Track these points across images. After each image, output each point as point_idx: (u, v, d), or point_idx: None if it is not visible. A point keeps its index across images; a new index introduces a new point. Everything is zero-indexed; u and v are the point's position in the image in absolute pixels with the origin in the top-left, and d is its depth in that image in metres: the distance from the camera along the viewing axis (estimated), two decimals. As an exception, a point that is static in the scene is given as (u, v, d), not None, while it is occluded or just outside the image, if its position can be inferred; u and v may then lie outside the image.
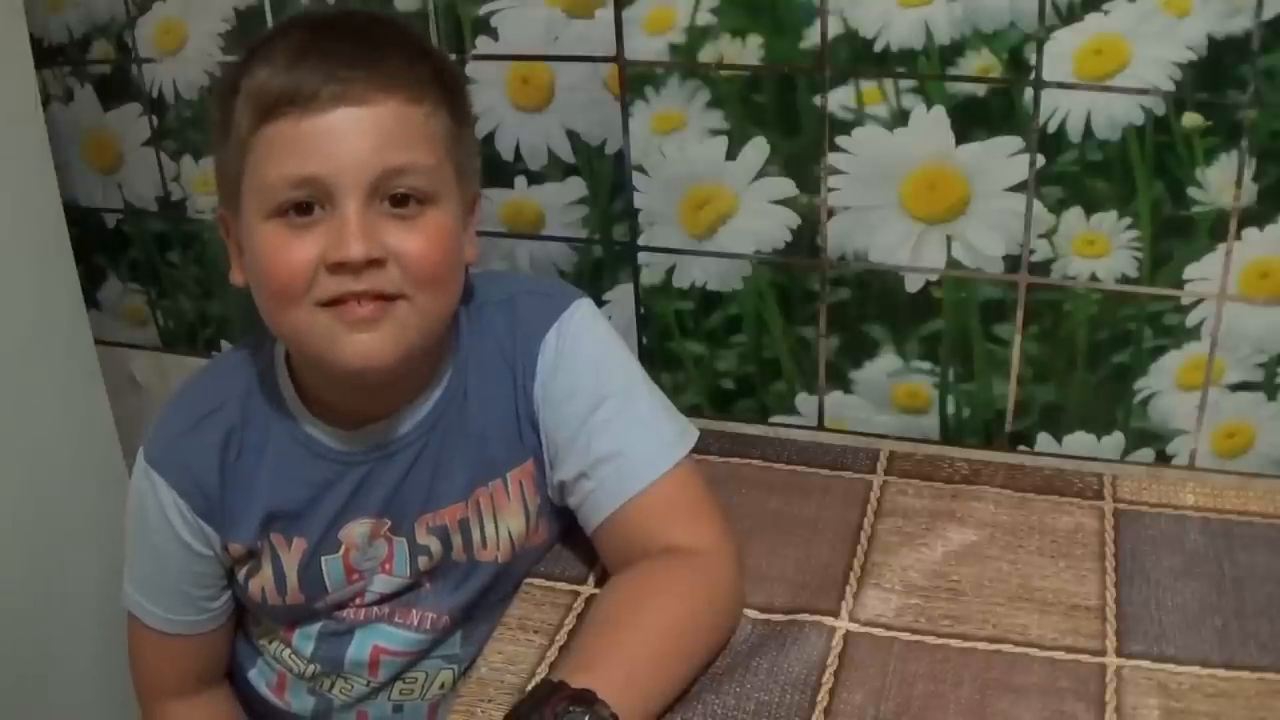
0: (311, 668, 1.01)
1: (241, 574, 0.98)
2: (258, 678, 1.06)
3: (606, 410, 0.95)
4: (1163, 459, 1.15)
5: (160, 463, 0.95)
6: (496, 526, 0.98)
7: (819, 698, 0.90)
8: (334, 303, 0.84)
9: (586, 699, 0.78)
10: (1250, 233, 1.04)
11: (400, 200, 0.85)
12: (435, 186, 0.86)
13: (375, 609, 0.99)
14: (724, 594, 0.94)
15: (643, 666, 0.84)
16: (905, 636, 0.96)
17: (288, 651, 1.02)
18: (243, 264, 0.90)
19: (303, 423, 0.95)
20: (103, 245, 1.42)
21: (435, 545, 0.97)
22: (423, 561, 0.97)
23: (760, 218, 1.16)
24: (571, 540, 1.08)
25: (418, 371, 0.94)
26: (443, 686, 1.03)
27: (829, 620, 0.97)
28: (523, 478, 0.98)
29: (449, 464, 0.96)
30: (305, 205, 0.83)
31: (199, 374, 1.01)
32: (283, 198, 0.83)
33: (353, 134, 0.82)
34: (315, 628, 1.00)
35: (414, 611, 0.99)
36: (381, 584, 0.98)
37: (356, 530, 0.96)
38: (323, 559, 0.96)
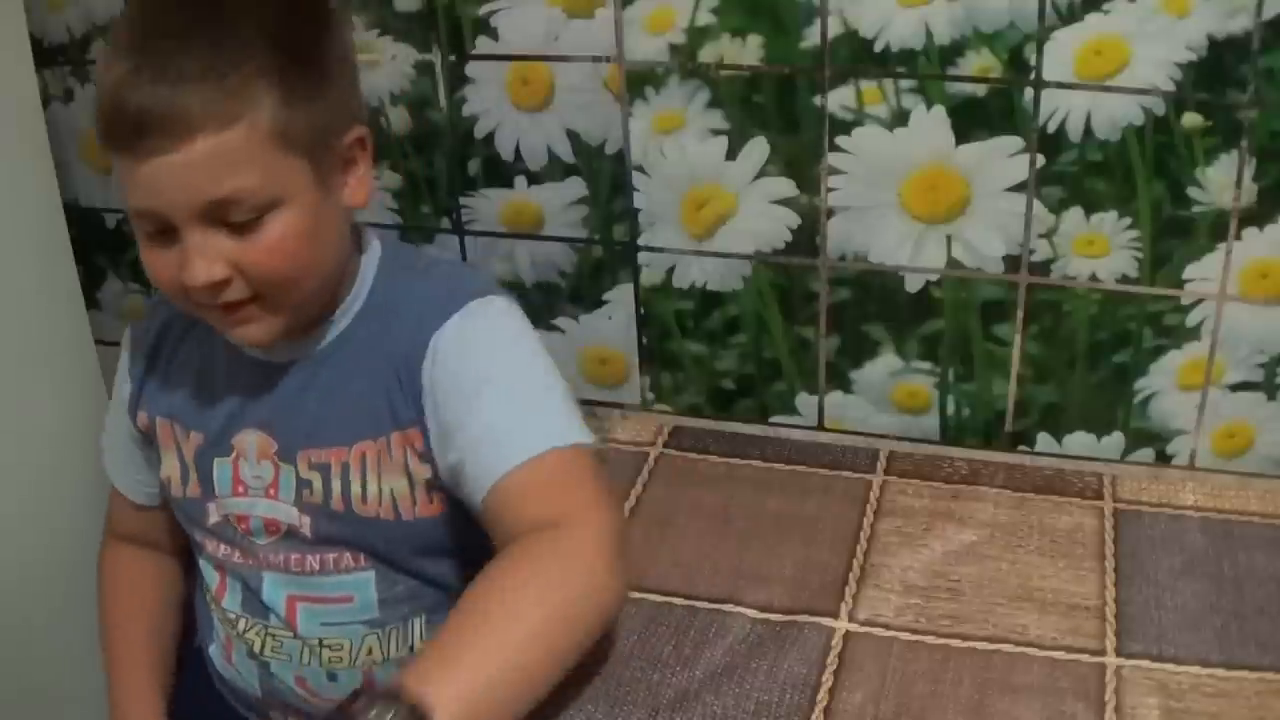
0: (242, 621, 1.04)
1: (156, 460, 1.06)
2: (216, 651, 1.09)
3: (492, 394, 0.92)
4: (1163, 459, 1.15)
5: (134, 320, 1.08)
6: (380, 485, 0.97)
7: (819, 698, 0.90)
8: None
9: (398, 696, 0.74)
10: (1250, 233, 1.04)
11: (237, 217, 0.87)
12: (271, 194, 0.87)
13: (272, 556, 1.01)
14: (591, 584, 0.84)
15: (489, 680, 0.79)
16: (905, 636, 0.96)
17: (220, 613, 1.06)
18: None
19: None
20: (103, 245, 1.42)
21: (317, 482, 0.98)
22: (306, 494, 0.99)
23: (760, 218, 1.16)
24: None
25: (310, 314, 0.97)
26: (370, 653, 1.02)
27: (829, 620, 0.97)
28: (407, 444, 0.96)
29: (332, 404, 0.98)
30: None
31: None
32: (137, 219, 0.89)
33: (171, 177, 0.85)
34: (239, 584, 1.04)
35: (308, 558, 1.01)
36: (267, 508, 1.00)
37: (247, 439, 1.00)
38: (215, 459, 1.01)
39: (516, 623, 0.80)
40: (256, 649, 1.04)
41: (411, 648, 1.03)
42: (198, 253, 0.87)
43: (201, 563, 1.08)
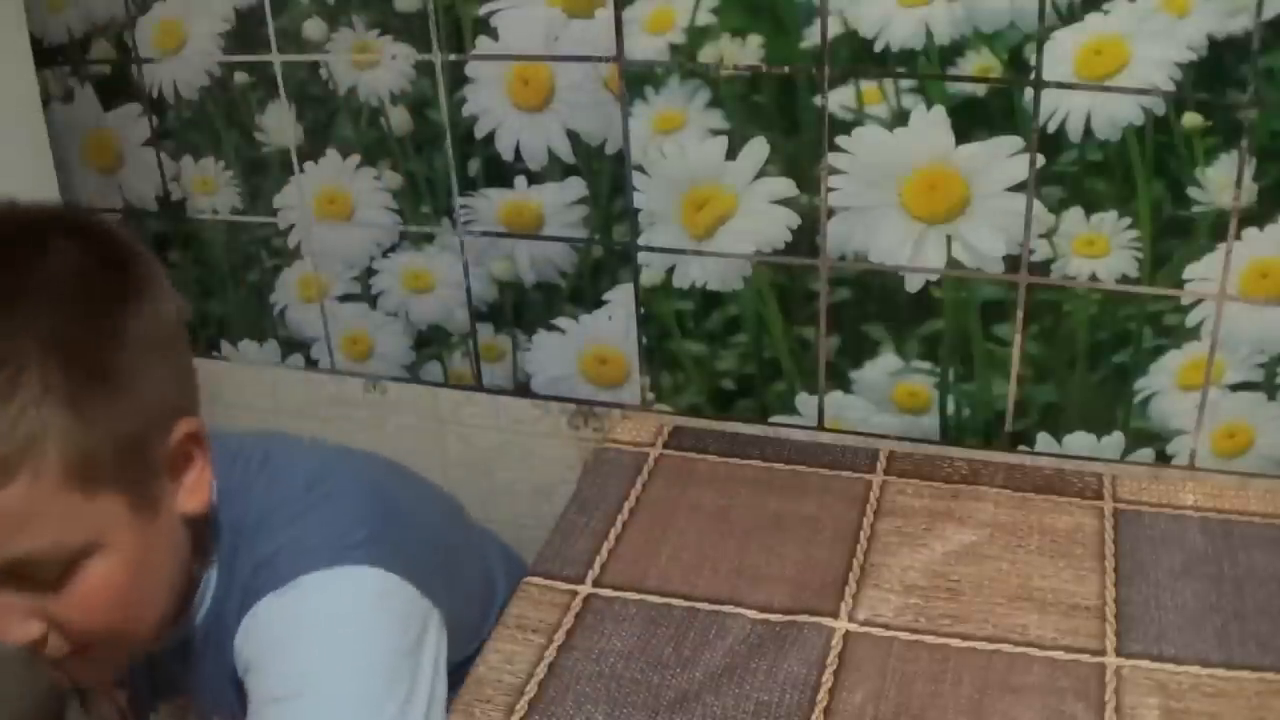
0: None
1: None
2: None
3: (274, 714, 0.75)
4: (1163, 459, 1.15)
5: None
6: None
7: (819, 698, 0.90)
8: None
9: None
10: (1250, 233, 1.04)
11: (42, 575, 0.72)
12: (77, 545, 0.71)
13: None
14: None
15: None
16: (905, 636, 0.96)
17: None
18: None
19: None
20: (103, 245, 1.42)
21: None
22: None
23: (760, 218, 1.16)
24: (570, 538, 1.08)
25: (155, 632, 0.81)
26: None
27: (828, 620, 0.97)
28: None
29: (223, 680, 0.83)
30: None
31: None
32: None
33: None
34: None
35: None
36: None
37: (169, 706, 0.91)
38: (150, 714, 0.93)
39: None
40: None
41: None
42: (2, 615, 0.71)
43: None
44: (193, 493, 0.78)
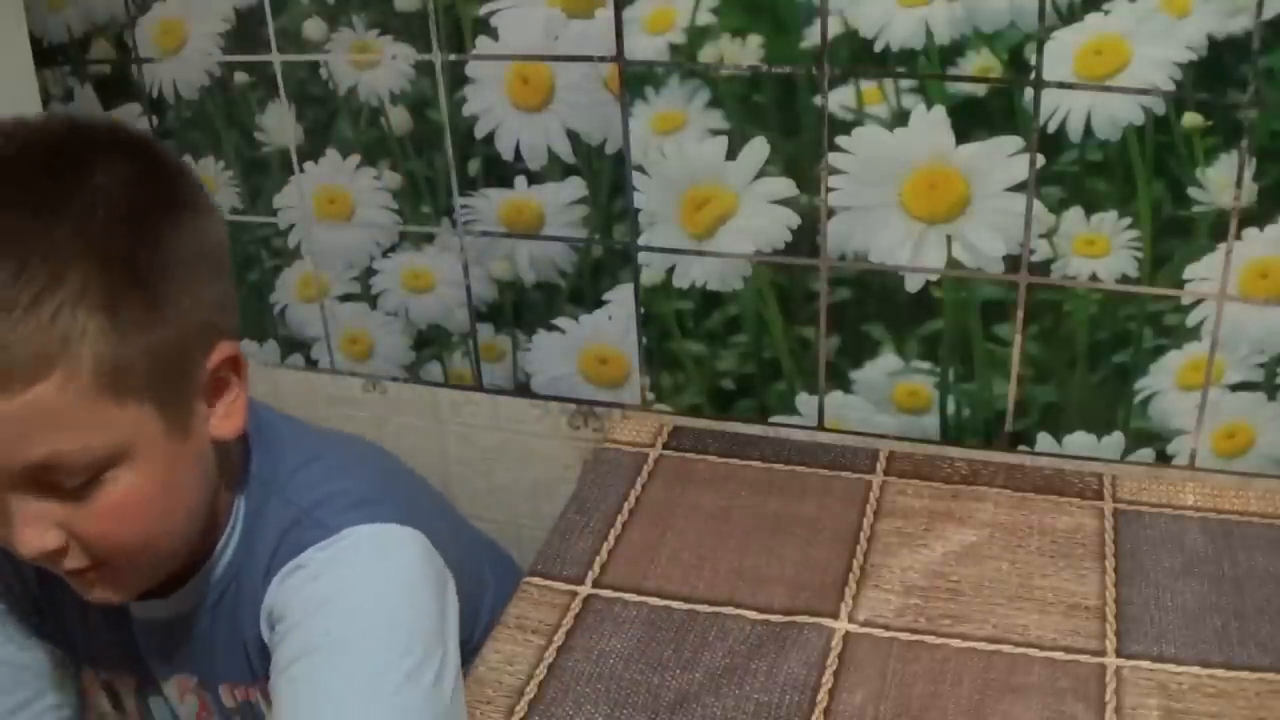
0: None
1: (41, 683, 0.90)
2: None
3: (305, 670, 0.74)
4: (1163, 459, 1.15)
5: None
6: None
7: (819, 699, 0.90)
8: None
9: None
10: (1250, 233, 1.04)
11: (67, 482, 0.71)
12: (106, 452, 0.70)
13: None
14: None
15: None
16: (905, 637, 0.96)
17: None
18: None
19: None
20: (103, 245, 1.42)
21: (249, 714, 0.87)
22: (243, 715, 0.88)
23: (760, 218, 1.16)
24: (569, 539, 1.08)
25: (176, 565, 0.81)
26: None
27: (828, 621, 0.97)
28: None
29: (237, 644, 0.84)
30: None
31: None
32: None
33: None
34: None
35: None
36: None
37: (175, 682, 0.89)
38: (149, 699, 0.92)
39: None
40: None
41: None
42: (23, 522, 0.71)
43: None
44: (225, 420, 0.77)
